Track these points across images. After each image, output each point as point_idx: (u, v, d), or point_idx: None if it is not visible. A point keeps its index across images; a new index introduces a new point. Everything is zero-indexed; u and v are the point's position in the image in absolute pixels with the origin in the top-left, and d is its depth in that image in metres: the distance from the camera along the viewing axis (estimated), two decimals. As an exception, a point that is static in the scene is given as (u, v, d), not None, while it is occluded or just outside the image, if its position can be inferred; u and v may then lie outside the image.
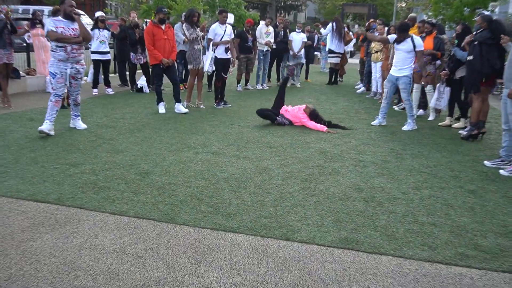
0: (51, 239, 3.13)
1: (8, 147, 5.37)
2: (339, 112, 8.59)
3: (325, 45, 17.08)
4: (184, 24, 8.43)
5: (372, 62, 10.41)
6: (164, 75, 7.90)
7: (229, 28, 8.64)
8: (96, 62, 9.86)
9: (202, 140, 6.02)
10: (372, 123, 7.43)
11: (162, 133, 6.34)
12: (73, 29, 5.91)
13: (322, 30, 13.25)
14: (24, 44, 11.74)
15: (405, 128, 7.13)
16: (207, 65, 8.35)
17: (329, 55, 12.94)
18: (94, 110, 7.93)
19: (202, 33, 8.33)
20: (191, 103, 8.65)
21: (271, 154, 5.43)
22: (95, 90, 9.90)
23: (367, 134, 6.69)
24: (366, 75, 11.51)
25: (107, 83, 10.14)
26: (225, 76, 8.67)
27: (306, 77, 14.31)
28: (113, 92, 10.09)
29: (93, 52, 9.79)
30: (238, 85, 11.24)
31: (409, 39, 6.92)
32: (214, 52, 8.53)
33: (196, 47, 8.18)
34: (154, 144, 5.72)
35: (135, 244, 3.09)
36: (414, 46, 6.89)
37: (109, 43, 10.31)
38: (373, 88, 10.73)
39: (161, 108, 7.94)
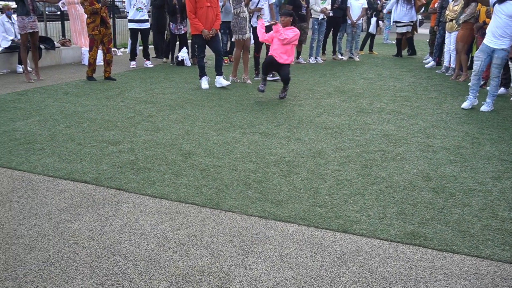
0: (89, 221, 3.27)
1: (44, 122, 5.62)
2: (405, 89, 8.37)
3: (389, 13, 16.63)
4: None
5: (446, 32, 10.01)
6: (206, 46, 7.96)
7: None
8: (133, 32, 10.05)
9: (249, 118, 6.04)
10: (463, 106, 6.92)
11: (205, 110, 6.42)
12: None
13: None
14: (59, 13, 12.18)
15: (483, 108, 6.83)
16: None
17: (397, 25, 12.54)
18: (132, 85, 8.14)
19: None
20: (237, 77, 8.68)
21: (326, 136, 5.37)
22: (132, 62, 10.14)
23: (437, 115, 6.48)
24: (437, 47, 11.12)
25: (146, 55, 10.34)
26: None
27: (370, 49, 14.00)
28: (152, 65, 10.30)
29: (130, 21, 9.98)
30: (288, 58, 11.17)
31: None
32: (251, 21, 8.64)
33: (242, 15, 8.17)
34: (197, 122, 5.81)
35: (178, 230, 3.17)
36: None
37: (148, 11, 10.48)
38: (445, 62, 10.34)
39: (204, 83, 8.02)
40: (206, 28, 7.68)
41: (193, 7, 7.63)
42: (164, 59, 11.12)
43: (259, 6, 8.60)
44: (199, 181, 3.98)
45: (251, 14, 8.65)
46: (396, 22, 12.36)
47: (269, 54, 7.34)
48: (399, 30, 12.61)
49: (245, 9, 8.22)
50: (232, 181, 4.00)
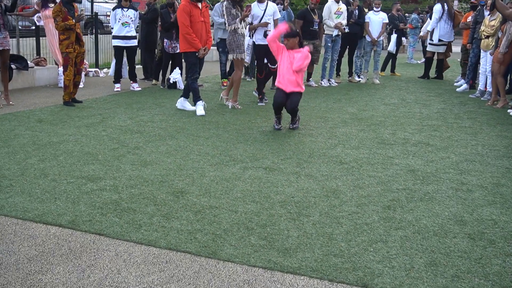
0: (63, 272, 3.25)
1: (13, 154, 5.65)
2: (433, 117, 8.41)
3: (413, 28, 16.91)
4: (224, 3, 8.62)
5: (481, 51, 10.12)
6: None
7: (272, 7, 8.99)
8: (118, 50, 10.17)
9: (252, 151, 6.06)
10: None
11: (200, 141, 6.45)
12: None
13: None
14: (33, 28, 12.38)
15: None
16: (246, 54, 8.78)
17: (430, 42, 12.69)
18: (116, 111, 8.21)
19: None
20: (237, 103, 8.75)
21: (342, 172, 5.38)
22: (117, 85, 10.25)
23: (472, 148, 6.49)
24: (470, 68, 11.21)
25: (133, 77, 10.46)
26: (273, 68, 9.01)
27: (393, 70, 14.13)
28: (139, 88, 10.41)
29: (114, 37, 10.10)
30: (298, 80, 11.27)
31: None
32: (252, 37, 8.86)
33: (240, 32, 8.36)
34: (191, 155, 5.83)
35: (167, 284, 3.14)
36: None
37: (136, 27, 10.63)
38: (480, 85, 10.43)
39: (200, 109, 8.11)
40: None
41: (189, 20, 7.78)
42: (154, 81, 11.24)
43: (264, 21, 8.75)
44: (193, 225, 3.97)
45: (252, 31, 8.82)
46: (439, 40, 12.53)
47: (276, 83, 7.31)
48: (434, 48, 12.74)
49: (242, 25, 8.37)
50: (232, 225, 3.99)
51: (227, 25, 8.44)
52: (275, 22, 9.01)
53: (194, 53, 7.93)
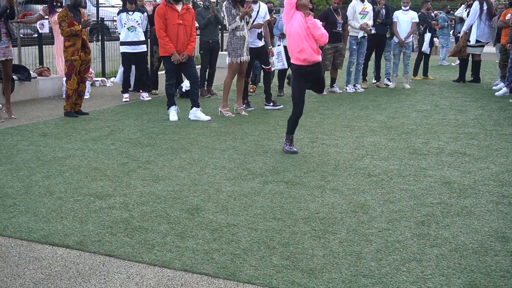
0: (72, 296, 3.30)
1: (16, 171, 5.74)
2: (470, 124, 8.36)
3: (440, 28, 17.00)
4: (224, 3, 8.80)
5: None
6: (180, 72, 8.70)
7: (263, 8, 9.31)
8: (126, 57, 10.28)
9: (272, 164, 6.09)
10: None
11: (216, 154, 6.49)
12: None
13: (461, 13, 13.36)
14: (36, 35, 12.56)
15: None
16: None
17: (469, 44, 12.72)
18: (125, 123, 8.29)
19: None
20: (227, 109, 8.84)
21: (371, 185, 5.37)
22: (125, 95, 10.35)
23: (514, 157, 6.45)
24: (511, 70, 11.13)
25: (142, 86, 10.55)
26: (267, 68, 9.44)
27: (425, 73, 14.10)
28: (149, 98, 10.50)
29: (122, 44, 10.23)
30: (321, 87, 11.29)
31: None
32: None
33: (238, 34, 8.53)
34: (206, 169, 5.87)
35: (183, 308, 3.17)
36: None
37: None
38: (521, 89, 10.35)
39: (173, 114, 8.47)
40: (176, 51, 8.15)
41: (163, 23, 8.07)
42: (153, 91, 11.26)
43: (256, 22, 9.08)
44: (209, 244, 4.00)
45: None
46: (477, 41, 12.54)
47: (293, 61, 6.58)
48: (471, 50, 12.76)
49: (243, 24, 8.50)
50: (252, 244, 4.01)
51: (227, 25, 8.62)
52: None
53: (170, 58, 8.24)
